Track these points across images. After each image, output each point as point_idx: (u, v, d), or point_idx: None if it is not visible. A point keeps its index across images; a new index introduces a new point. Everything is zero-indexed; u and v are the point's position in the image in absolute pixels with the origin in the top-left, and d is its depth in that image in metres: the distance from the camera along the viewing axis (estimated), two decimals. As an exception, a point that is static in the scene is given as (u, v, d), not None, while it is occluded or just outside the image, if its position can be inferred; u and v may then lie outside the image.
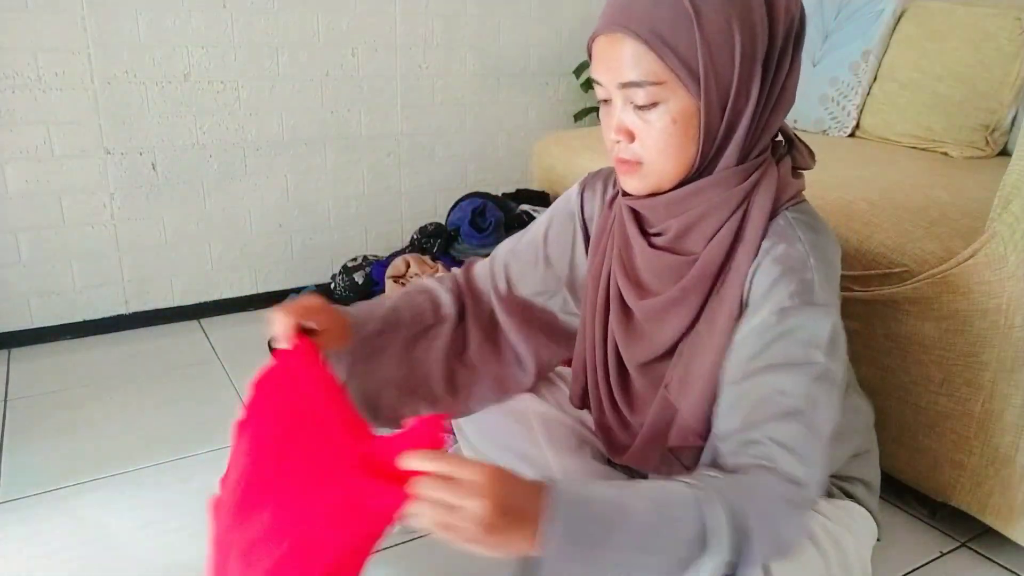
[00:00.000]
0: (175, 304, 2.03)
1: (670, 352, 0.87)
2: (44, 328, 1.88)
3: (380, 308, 1.01)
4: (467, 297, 1.06)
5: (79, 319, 1.92)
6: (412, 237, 1.99)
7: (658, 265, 0.86)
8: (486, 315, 1.06)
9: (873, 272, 1.17)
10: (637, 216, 0.89)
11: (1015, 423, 1.04)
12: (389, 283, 1.84)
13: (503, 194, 2.10)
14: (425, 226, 1.98)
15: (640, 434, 0.92)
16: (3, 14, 1.67)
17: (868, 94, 1.88)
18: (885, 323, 1.17)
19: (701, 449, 0.86)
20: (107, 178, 1.86)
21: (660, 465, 0.91)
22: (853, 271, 1.21)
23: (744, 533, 0.68)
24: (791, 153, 0.87)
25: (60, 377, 1.71)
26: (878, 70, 1.86)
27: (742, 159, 0.80)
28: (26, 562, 1.12)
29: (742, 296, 0.80)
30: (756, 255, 0.80)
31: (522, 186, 2.21)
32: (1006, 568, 1.14)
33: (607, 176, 1.00)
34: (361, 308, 1.00)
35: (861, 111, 1.89)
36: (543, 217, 1.06)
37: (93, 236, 1.88)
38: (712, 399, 0.82)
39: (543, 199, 2.07)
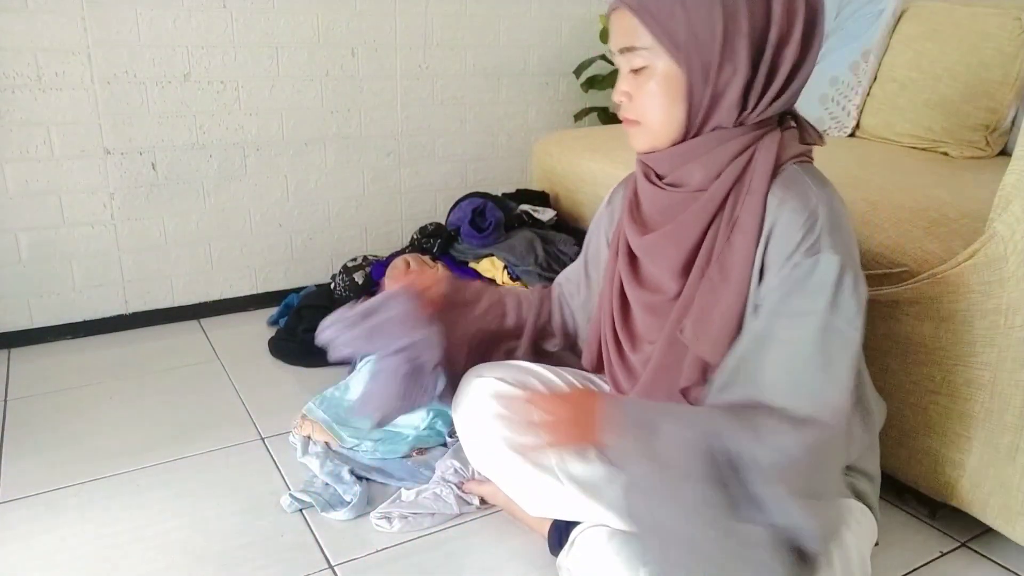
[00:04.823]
0: (175, 304, 2.03)
1: (677, 295, 0.95)
2: (44, 328, 1.88)
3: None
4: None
5: (79, 319, 1.92)
6: (412, 237, 1.99)
7: (663, 202, 0.95)
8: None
9: (873, 272, 1.17)
10: (647, 169, 0.98)
11: (1015, 423, 1.04)
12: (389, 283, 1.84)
13: (503, 194, 2.10)
14: (425, 226, 1.98)
15: (645, 373, 0.99)
16: (3, 14, 1.67)
17: (868, 94, 1.88)
18: (885, 323, 1.17)
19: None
20: (107, 178, 1.86)
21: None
22: (853, 271, 1.21)
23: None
24: (799, 129, 0.93)
25: (60, 377, 1.70)
26: (878, 70, 1.86)
27: (738, 125, 0.88)
28: (26, 562, 1.12)
29: (755, 246, 0.87)
30: (765, 205, 0.87)
31: (522, 186, 2.21)
32: (1006, 568, 1.14)
33: (630, 175, 1.09)
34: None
35: (861, 111, 1.89)
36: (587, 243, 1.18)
37: (93, 236, 1.88)
38: (733, 339, 0.89)
39: (543, 199, 2.07)
